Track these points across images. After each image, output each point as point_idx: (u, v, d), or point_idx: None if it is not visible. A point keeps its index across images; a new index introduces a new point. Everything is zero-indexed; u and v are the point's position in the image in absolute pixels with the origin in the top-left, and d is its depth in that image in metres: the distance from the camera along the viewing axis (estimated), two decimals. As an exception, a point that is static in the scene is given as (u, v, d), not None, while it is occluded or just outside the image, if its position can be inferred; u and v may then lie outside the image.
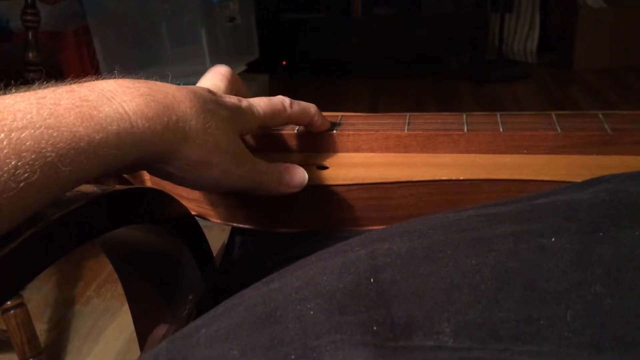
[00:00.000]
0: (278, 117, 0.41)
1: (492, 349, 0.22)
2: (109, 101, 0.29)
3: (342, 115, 0.48)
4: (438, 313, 0.24)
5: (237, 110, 0.37)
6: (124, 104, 0.29)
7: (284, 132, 0.46)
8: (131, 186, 0.37)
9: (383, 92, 2.72)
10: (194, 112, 0.32)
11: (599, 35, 2.69)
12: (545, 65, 2.91)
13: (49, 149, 0.25)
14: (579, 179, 0.32)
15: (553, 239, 0.26)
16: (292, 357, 0.24)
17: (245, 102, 0.38)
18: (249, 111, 0.38)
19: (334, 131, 0.45)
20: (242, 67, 1.84)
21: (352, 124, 0.46)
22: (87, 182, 0.29)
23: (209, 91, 0.36)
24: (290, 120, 0.42)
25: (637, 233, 0.25)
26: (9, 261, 0.26)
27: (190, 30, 1.70)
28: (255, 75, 2.13)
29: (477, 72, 2.74)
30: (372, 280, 0.26)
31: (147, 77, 0.34)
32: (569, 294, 0.24)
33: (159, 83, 0.33)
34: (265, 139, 0.47)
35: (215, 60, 1.66)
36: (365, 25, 2.84)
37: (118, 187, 0.35)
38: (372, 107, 2.50)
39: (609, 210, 0.27)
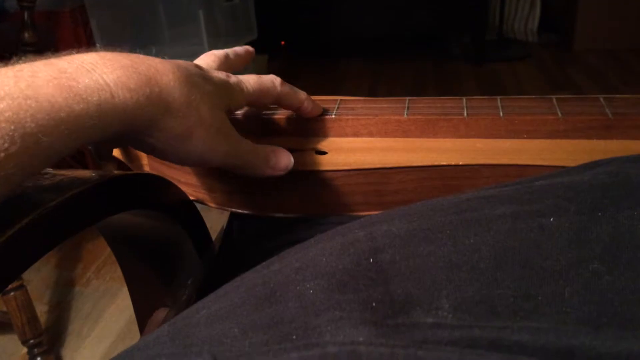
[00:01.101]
0: (267, 95, 0.41)
1: (491, 326, 0.23)
2: (89, 73, 0.28)
3: (340, 100, 0.48)
4: (437, 290, 0.24)
5: (224, 85, 0.37)
6: (104, 75, 0.29)
7: (283, 116, 0.46)
8: (129, 172, 0.37)
9: (383, 72, 2.70)
10: (177, 84, 0.32)
11: (601, 15, 2.66)
12: (545, 46, 2.89)
13: (29, 119, 0.25)
14: (579, 164, 0.32)
15: (552, 219, 0.26)
16: (293, 336, 0.24)
17: (234, 77, 0.38)
18: (237, 87, 0.38)
19: (333, 116, 0.45)
20: (241, 48, 1.82)
21: (351, 109, 0.46)
22: (72, 153, 0.29)
23: (196, 66, 0.36)
24: (280, 100, 0.42)
25: (635, 213, 0.26)
26: (8, 248, 0.26)
27: (187, 10, 1.68)
28: (254, 56, 2.11)
29: (478, 51, 2.72)
30: (371, 260, 0.27)
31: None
32: (567, 272, 0.24)
33: (141, 56, 0.32)
34: (265, 123, 0.46)
35: (213, 40, 1.65)
36: (365, 6, 2.81)
37: (116, 172, 0.35)
38: (372, 88, 2.49)
39: (609, 191, 0.27)
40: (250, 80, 0.39)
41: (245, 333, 0.25)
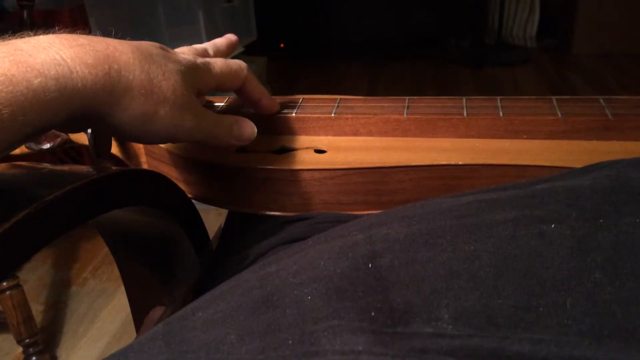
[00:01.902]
0: (235, 77, 0.41)
1: (492, 336, 0.22)
2: (45, 50, 0.29)
3: (340, 99, 0.48)
4: (437, 299, 0.24)
5: (190, 65, 0.37)
6: (60, 52, 0.29)
7: (282, 115, 0.46)
8: (128, 168, 0.37)
9: (382, 75, 2.70)
10: (137, 62, 0.32)
11: (599, 20, 2.67)
12: (544, 50, 2.89)
13: None
14: (579, 165, 0.32)
15: (553, 226, 0.25)
16: (290, 342, 0.24)
17: (201, 59, 0.38)
18: (205, 67, 0.38)
19: (332, 115, 0.45)
20: (240, 49, 1.82)
21: (351, 108, 0.46)
22: (45, 129, 0.29)
23: (160, 47, 0.36)
24: (245, 84, 0.42)
25: (637, 220, 0.25)
26: (4, 241, 0.26)
27: (187, 10, 1.67)
28: (253, 57, 2.11)
29: (477, 56, 2.72)
30: (370, 265, 0.26)
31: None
32: (568, 282, 0.23)
33: (100, 37, 0.33)
34: (264, 122, 0.46)
35: (213, 42, 1.64)
36: (365, 8, 2.81)
37: (115, 168, 0.34)
38: (371, 90, 2.49)
39: (610, 196, 0.27)
40: (218, 62, 0.40)
41: (242, 339, 0.25)
